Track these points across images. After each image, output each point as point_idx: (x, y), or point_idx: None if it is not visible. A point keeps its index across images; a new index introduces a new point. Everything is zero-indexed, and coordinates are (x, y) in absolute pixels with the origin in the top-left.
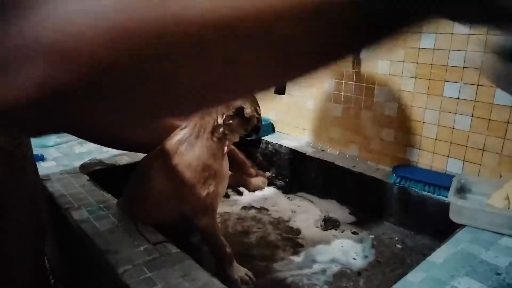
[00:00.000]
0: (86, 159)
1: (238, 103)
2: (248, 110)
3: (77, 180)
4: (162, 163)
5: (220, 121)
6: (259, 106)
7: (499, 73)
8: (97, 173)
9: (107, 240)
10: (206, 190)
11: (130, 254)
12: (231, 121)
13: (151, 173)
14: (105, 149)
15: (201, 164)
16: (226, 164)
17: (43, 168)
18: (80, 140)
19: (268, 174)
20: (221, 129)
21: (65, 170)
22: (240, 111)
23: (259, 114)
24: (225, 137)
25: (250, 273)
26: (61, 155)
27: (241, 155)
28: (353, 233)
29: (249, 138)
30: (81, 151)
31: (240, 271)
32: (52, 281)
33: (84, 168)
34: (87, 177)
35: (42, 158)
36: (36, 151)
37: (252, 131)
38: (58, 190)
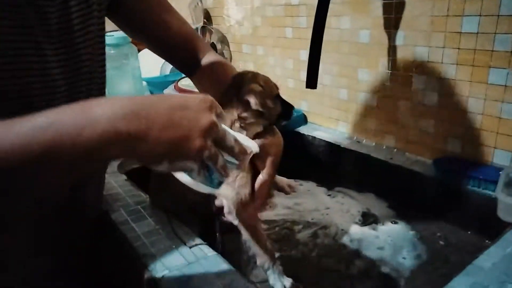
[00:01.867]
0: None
1: (246, 97)
2: (252, 102)
3: (115, 179)
4: None
5: (235, 116)
6: (273, 94)
7: None
8: (134, 172)
9: (144, 243)
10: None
11: (167, 258)
12: (245, 114)
13: None
14: None
15: None
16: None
17: None
18: None
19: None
20: (237, 124)
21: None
22: (247, 104)
23: (275, 102)
24: (243, 129)
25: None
26: None
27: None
28: (393, 229)
29: (283, 123)
30: None
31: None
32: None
33: (121, 167)
34: (125, 177)
35: None
36: None
37: (279, 119)
38: None
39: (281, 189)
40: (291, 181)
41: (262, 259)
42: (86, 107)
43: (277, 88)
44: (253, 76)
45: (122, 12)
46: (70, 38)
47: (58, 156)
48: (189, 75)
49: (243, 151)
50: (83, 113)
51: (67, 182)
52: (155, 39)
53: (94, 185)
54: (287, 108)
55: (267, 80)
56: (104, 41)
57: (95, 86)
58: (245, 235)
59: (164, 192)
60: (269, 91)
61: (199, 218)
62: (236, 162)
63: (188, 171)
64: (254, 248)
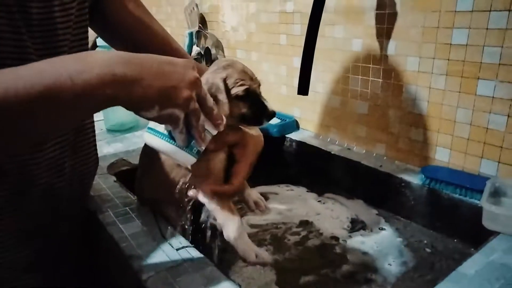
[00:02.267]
0: (112, 160)
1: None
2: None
3: (105, 181)
4: None
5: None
6: (232, 92)
7: None
8: (124, 173)
9: (131, 245)
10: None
11: (153, 260)
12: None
13: (158, 155)
14: (131, 148)
15: None
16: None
17: None
18: (108, 140)
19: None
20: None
21: None
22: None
23: (236, 102)
24: None
25: (265, 254)
26: None
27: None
28: (380, 235)
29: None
30: (109, 151)
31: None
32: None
33: (111, 168)
34: (114, 178)
35: None
36: None
37: (246, 120)
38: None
39: (246, 203)
40: (260, 200)
41: (227, 230)
42: (83, 54)
43: (247, 90)
44: (221, 68)
45: (102, 14)
46: (50, 29)
47: (59, 96)
48: None
49: (220, 116)
50: (81, 59)
51: (65, 125)
52: (138, 46)
53: (70, 177)
54: (259, 112)
55: (230, 76)
56: (86, 37)
57: None
58: (208, 205)
59: (148, 185)
60: (227, 87)
61: (183, 212)
62: (213, 132)
63: (174, 123)
64: (219, 218)
